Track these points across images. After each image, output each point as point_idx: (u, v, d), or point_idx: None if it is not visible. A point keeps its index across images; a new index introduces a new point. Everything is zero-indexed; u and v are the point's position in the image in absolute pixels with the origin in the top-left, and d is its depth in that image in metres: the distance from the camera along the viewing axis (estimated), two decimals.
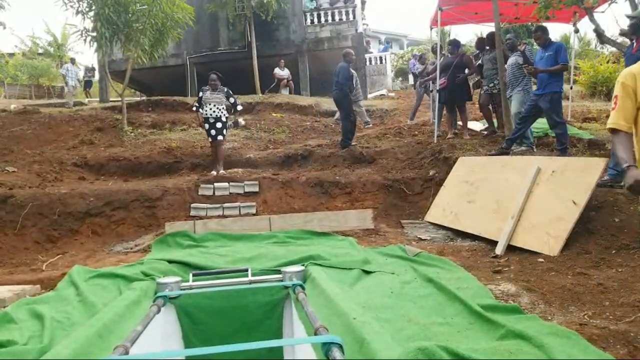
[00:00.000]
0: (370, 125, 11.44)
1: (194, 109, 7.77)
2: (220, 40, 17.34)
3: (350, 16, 16.96)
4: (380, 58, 21.72)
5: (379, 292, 3.20)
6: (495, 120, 8.27)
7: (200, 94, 7.72)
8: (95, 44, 10.29)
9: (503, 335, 2.23)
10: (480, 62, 8.20)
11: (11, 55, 27.97)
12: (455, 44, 8.60)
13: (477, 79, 8.76)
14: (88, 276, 3.76)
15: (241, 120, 9.05)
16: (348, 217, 6.03)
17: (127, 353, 2.07)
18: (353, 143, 8.84)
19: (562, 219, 4.31)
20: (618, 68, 13.15)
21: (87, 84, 18.89)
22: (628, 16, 5.09)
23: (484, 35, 8.58)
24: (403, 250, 4.54)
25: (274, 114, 12.50)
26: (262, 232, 5.74)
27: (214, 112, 7.64)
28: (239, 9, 15.77)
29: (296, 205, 6.83)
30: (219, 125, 7.66)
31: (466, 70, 8.24)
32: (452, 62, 8.15)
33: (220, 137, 7.73)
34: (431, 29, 10.17)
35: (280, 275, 3.44)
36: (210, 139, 7.80)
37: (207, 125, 7.66)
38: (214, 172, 7.63)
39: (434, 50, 9.88)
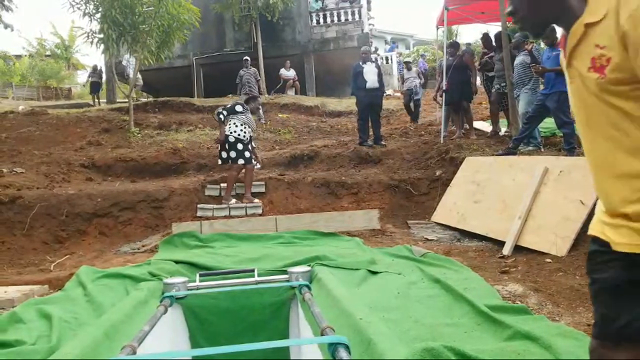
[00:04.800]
0: (263, 122, 11.36)
1: (221, 117, 6.68)
2: (227, 41, 17.39)
3: (356, 16, 16.96)
4: (387, 58, 21.70)
5: (386, 292, 3.19)
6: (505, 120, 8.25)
7: (240, 107, 6.82)
8: (102, 45, 10.35)
9: (510, 336, 2.22)
10: (484, 60, 8.18)
11: (19, 57, 28.19)
12: (453, 45, 8.59)
13: (485, 78, 8.69)
14: (95, 276, 3.78)
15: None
16: (354, 218, 6.03)
17: (134, 353, 2.08)
18: (382, 142, 8.76)
19: (570, 219, 4.28)
20: None
21: (94, 87, 18.11)
22: None
23: (490, 34, 8.54)
24: (409, 250, 4.53)
25: (280, 115, 12.51)
26: (268, 232, 5.74)
27: (251, 134, 6.95)
28: (245, 9, 15.81)
29: (302, 206, 6.83)
30: (250, 147, 6.89)
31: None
32: (450, 64, 8.16)
33: (254, 160, 7.04)
34: (437, 28, 10.15)
35: (286, 276, 3.45)
36: (242, 161, 6.70)
37: (240, 146, 6.66)
38: (233, 201, 6.68)
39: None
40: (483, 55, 8.59)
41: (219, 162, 6.95)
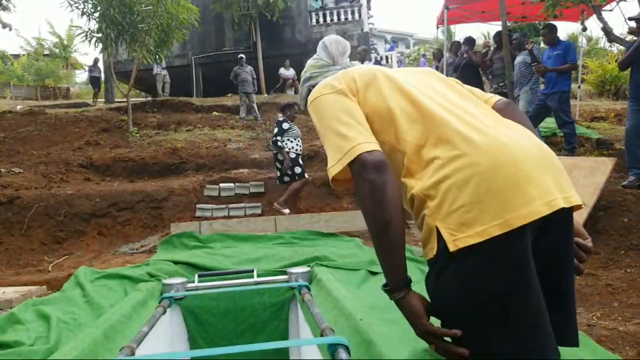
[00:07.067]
0: (260, 122, 11.39)
1: (279, 143, 6.38)
2: (226, 41, 17.37)
3: (356, 15, 16.95)
4: (386, 57, 21.70)
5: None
6: None
7: (287, 125, 6.51)
8: (101, 45, 10.33)
9: None
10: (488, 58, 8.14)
11: (16, 56, 28.13)
12: (469, 41, 8.38)
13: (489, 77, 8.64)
14: (94, 277, 3.74)
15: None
16: (354, 218, 6.01)
17: (133, 354, 2.06)
18: None
19: None
20: None
21: (95, 82, 17.49)
22: (632, 19, 5.05)
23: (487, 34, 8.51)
24: (410, 250, 4.50)
25: (280, 115, 12.49)
26: (267, 232, 5.73)
27: (300, 146, 6.70)
28: (245, 9, 15.78)
29: (302, 206, 6.82)
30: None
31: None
32: (459, 64, 8.05)
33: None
34: (438, 27, 10.14)
35: (286, 276, 3.43)
36: (306, 175, 6.63)
37: (300, 160, 6.59)
38: (287, 210, 6.37)
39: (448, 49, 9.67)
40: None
41: (278, 182, 6.74)
